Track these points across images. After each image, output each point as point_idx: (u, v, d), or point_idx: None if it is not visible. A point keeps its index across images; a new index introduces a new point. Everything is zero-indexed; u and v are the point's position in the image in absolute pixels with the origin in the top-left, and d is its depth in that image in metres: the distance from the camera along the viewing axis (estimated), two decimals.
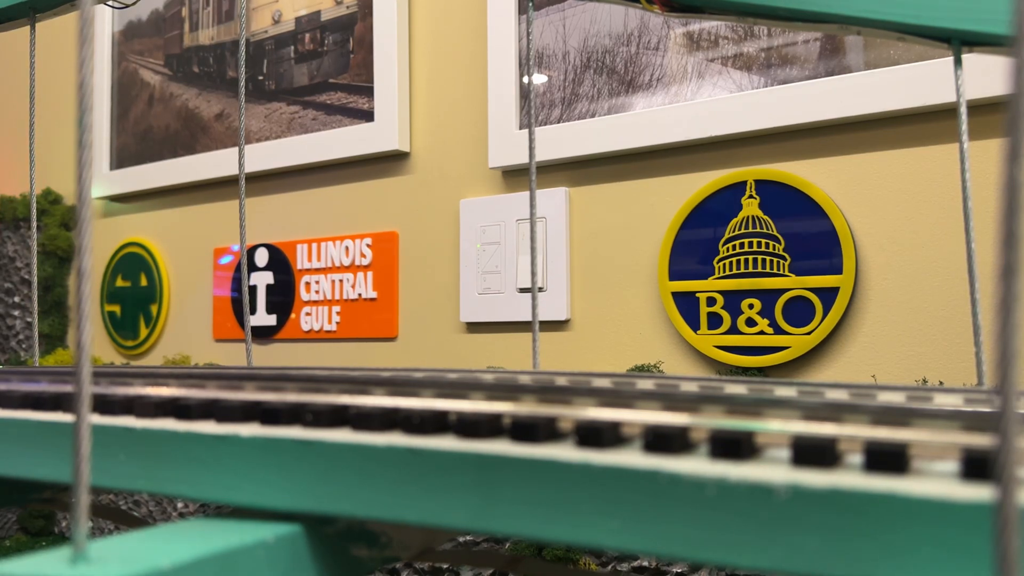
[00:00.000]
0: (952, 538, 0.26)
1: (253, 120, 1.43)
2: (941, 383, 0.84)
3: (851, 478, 0.28)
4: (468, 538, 1.04)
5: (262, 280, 1.40)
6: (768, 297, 0.95)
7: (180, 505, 1.42)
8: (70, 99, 1.74)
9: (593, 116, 1.10)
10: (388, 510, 0.36)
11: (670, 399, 0.41)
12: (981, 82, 0.81)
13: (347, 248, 1.31)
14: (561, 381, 0.54)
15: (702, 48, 1.03)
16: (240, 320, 1.43)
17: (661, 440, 0.33)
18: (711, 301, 0.98)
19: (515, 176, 1.17)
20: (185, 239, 1.55)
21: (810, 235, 0.93)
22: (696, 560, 0.30)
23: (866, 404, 0.38)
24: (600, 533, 0.31)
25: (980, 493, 0.26)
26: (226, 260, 1.47)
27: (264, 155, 1.40)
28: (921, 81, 0.87)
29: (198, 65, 1.55)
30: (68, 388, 0.53)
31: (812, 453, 0.30)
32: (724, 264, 0.98)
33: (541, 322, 1.11)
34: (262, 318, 1.39)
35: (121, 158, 1.66)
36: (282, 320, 1.37)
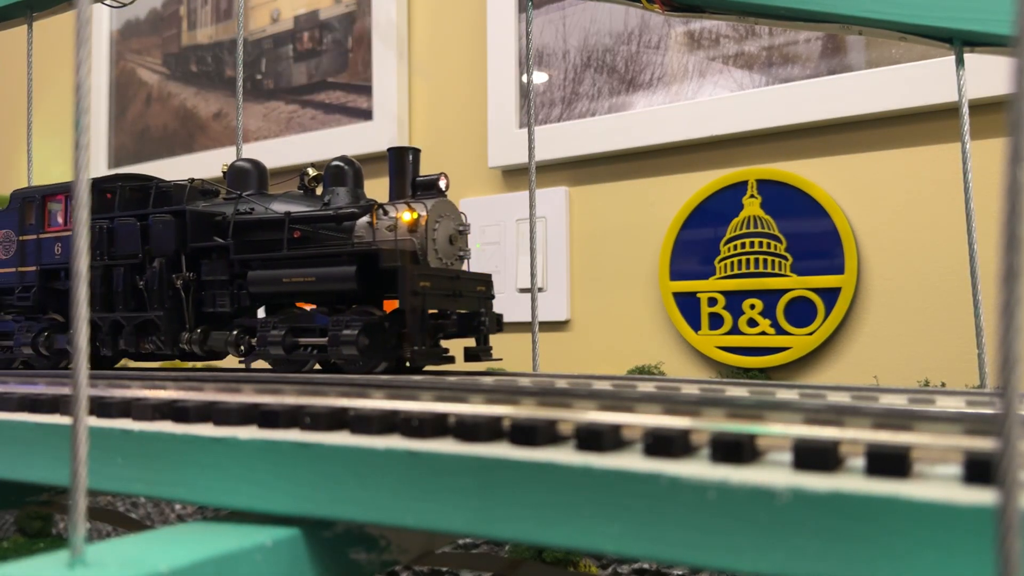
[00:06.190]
0: (954, 542, 0.26)
1: (251, 119, 1.43)
2: (943, 384, 0.84)
3: (853, 481, 0.28)
4: (467, 541, 1.03)
5: None
6: (770, 297, 0.95)
7: (178, 507, 1.42)
8: (68, 98, 1.74)
9: (593, 115, 1.09)
10: (387, 513, 0.36)
11: (671, 402, 0.41)
12: (982, 82, 0.81)
13: None
14: (561, 384, 0.54)
15: (703, 47, 1.02)
16: None
17: (662, 443, 0.33)
18: (712, 301, 0.98)
19: (515, 175, 1.17)
20: None
21: (812, 235, 0.93)
22: (697, 564, 0.30)
23: (868, 407, 0.38)
24: (600, 537, 0.31)
25: (982, 497, 0.26)
26: None
27: (262, 154, 1.40)
28: (923, 80, 0.87)
29: (196, 64, 1.55)
30: (66, 390, 0.53)
31: (814, 456, 0.30)
32: (725, 264, 0.98)
33: (541, 322, 1.10)
34: None
35: (119, 157, 1.66)
36: None
